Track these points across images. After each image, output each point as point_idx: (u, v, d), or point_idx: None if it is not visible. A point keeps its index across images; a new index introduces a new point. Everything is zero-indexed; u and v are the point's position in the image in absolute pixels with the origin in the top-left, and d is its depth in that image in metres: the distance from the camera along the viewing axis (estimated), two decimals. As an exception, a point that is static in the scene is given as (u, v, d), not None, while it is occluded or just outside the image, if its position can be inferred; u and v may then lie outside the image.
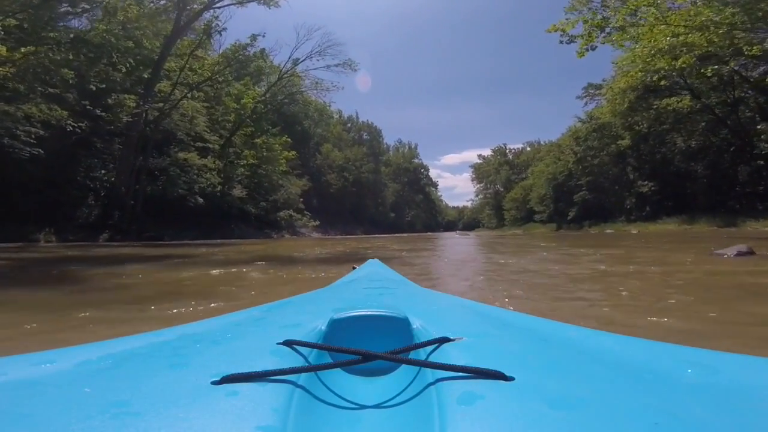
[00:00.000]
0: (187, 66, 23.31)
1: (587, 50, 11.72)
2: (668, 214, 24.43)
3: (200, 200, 21.60)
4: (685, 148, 24.53)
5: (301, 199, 34.45)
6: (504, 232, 45.97)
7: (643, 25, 10.58)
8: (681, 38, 10.08)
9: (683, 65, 11.05)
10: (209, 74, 24.94)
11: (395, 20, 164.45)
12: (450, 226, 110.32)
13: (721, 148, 23.21)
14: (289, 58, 35.14)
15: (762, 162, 21.21)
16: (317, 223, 34.19)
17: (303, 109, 40.67)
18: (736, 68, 19.91)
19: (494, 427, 0.31)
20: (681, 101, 22.65)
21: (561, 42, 12.10)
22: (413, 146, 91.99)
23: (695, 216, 21.96)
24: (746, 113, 22.46)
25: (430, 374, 0.42)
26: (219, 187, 23.01)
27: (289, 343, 0.48)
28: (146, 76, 21.29)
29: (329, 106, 40.18)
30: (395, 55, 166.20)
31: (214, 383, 0.38)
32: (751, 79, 21.65)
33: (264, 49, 30.99)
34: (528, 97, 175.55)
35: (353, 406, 0.42)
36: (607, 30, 11.11)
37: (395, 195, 76.42)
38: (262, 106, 31.13)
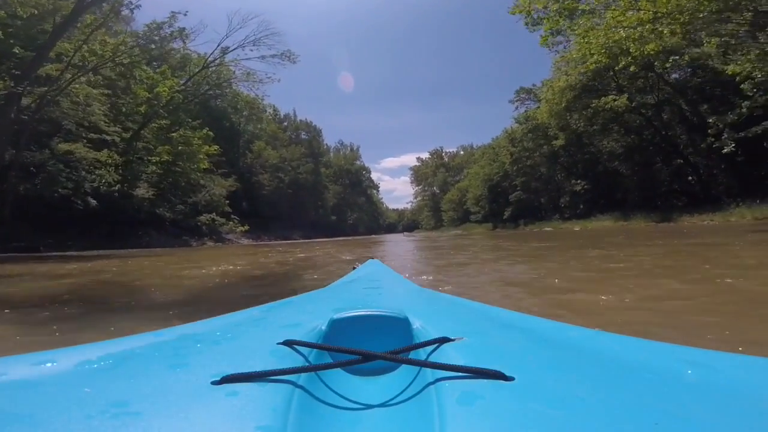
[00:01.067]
0: (86, 47, 19.54)
1: (552, 35, 10.92)
2: (601, 211, 25.05)
3: (93, 202, 18.03)
4: (618, 147, 25.31)
5: (227, 201, 31.16)
6: (443, 232, 45.75)
7: (615, 9, 9.99)
8: (648, 26, 9.64)
9: (651, 52, 10.67)
10: (111, 55, 21.26)
11: (338, 23, 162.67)
12: (391, 228, 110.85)
13: (647, 148, 24.18)
14: (218, 46, 31.93)
15: (681, 161, 22.40)
16: (246, 228, 31.10)
17: (231, 102, 37.18)
18: (659, 71, 20.72)
19: (494, 427, 0.31)
20: (618, 100, 23.20)
21: (526, 25, 11.31)
22: (355, 148, 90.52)
23: (628, 213, 22.55)
24: (669, 114, 23.63)
25: (430, 374, 0.42)
26: (117, 186, 19.43)
27: (289, 343, 0.48)
28: (17, 52, 17.37)
29: (262, 99, 37.13)
30: (337, 57, 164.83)
31: (214, 383, 0.38)
32: (671, 82, 22.81)
33: (184, 28, 27.49)
34: (463, 102, 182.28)
35: (353, 405, 0.42)
36: (578, 13, 10.37)
37: (337, 197, 74.11)
38: (180, 97, 27.66)
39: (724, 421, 0.32)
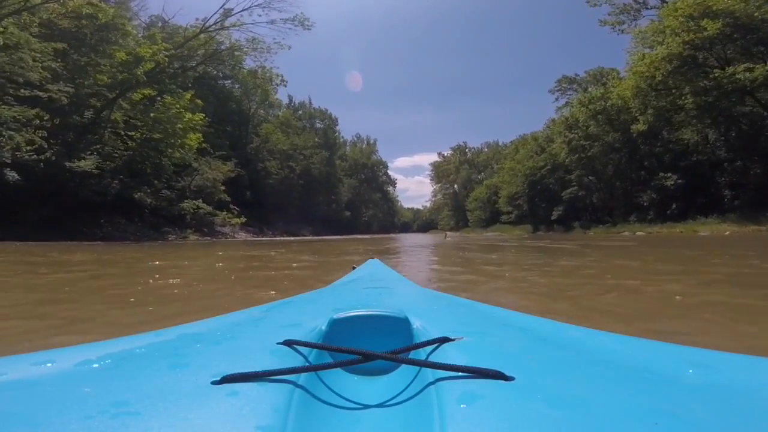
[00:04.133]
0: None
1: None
2: (701, 212, 18.94)
3: (11, 175, 12.71)
4: (730, 133, 19.05)
5: (223, 188, 25.86)
6: (480, 234, 39.57)
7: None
8: None
9: None
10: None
11: (351, 22, 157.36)
12: (405, 228, 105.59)
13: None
14: (221, 8, 26.76)
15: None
16: (242, 220, 25.71)
17: (240, 81, 31.77)
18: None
19: (494, 427, 0.31)
20: (755, 69, 16.87)
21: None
22: (372, 141, 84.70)
23: (748, 215, 16.43)
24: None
25: (430, 374, 0.42)
26: (47, 154, 14.03)
27: (289, 343, 0.48)
28: None
29: (270, 69, 31.70)
30: (350, 55, 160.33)
31: (214, 383, 0.38)
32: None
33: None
34: (479, 101, 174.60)
35: (353, 405, 0.42)
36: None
37: (351, 192, 68.65)
38: (167, 60, 22.29)
39: (724, 421, 0.32)
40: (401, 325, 0.56)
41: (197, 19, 27.54)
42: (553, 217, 32.34)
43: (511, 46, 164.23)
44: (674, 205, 20.78)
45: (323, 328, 0.55)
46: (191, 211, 21.36)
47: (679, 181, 20.67)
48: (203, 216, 22.58)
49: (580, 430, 0.30)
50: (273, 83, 31.90)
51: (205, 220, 23.35)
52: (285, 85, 32.17)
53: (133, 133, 20.09)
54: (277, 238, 25.03)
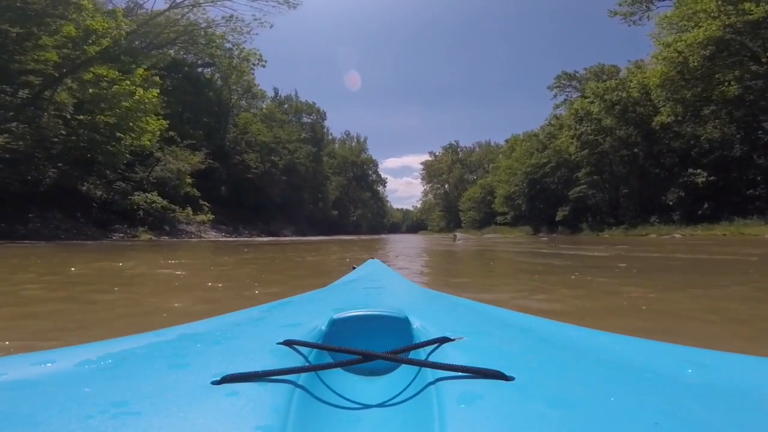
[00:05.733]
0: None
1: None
2: (737, 212, 16.50)
3: None
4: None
5: (190, 180, 22.65)
6: (482, 234, 36.82)
7: None
8: None
9: None
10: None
11: (342, 23, 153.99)
12: (395, 228, 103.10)
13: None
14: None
15: None
16: (209, 217, 22.55)
17: (207, 53, 28.44)
18: None
19: (494, 427, 0.31)
20: None
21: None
22: (362, 139, 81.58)
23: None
24: None
25: (430, 374, 0.42)
26: None
27: (289, 343, 0.48)
28: None
29: (246, 48, 28.41)
30: (340, 56, 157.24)
31: (214, 383, 0.38)
32: None
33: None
34: (468, 103, 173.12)
35: (353, 405, 0.42)
36: None
37: (340, 190, 65.51)
38: (123, 35, 18.98)
39: (724, 421, 0.32)
40: (401, 325, 0.56)
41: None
42: (557, 218, 29.75)
43: (501, 47, 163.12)
44: (706, 205, 18.31)
45: (323, 328, 0.54)
46: (143, 205, 18.10)
47: (711, 178, 18.19)
48: (161, 212, 19.34)
49: (579, 430, 0.30)
50: (251, 63, 28.76)
51: (165, 217, 20.12)
52: (264, 66, 29.16)
53: (82, 117, 16.85)
54: (254, 239, 21.94)
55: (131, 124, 18.20)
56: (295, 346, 0.48)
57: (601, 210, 26.43)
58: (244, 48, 28.55)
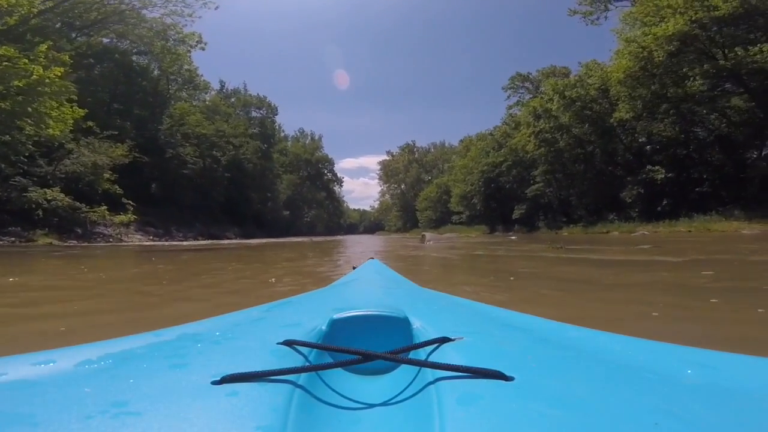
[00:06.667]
0: None
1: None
2: (695, 209, 16.44)
3: None
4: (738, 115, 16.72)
5: (108, 175, 19.48)
6: (441, 234, 35.78)
7: None
8: None
9: None
10: None
11: (303, 20, 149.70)
12: (352, 229, 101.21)
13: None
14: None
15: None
16: (133, 218, 19.56)
17: (134, 33, 25.05)
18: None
19: (494, 427, 0.31)
20: None
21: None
22: (317, 137, 78.74)
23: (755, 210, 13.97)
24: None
25: (430, 374, 0.42)
26: None
27: (289, 343, 0.48)
28: None
29: (182, 27, 25.32)
30: (298, 53, 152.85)
31: (214, 383, 0.38)
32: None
33: None
34: (425, 105, 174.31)
35: (353, 405, 0.42)
36: None
37: (292, 189, 62.51)
38: (34, 12, 15.69)
39: (724, 421, 0.32)
40: (401, 325, 0.56)
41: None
42: (514, 216, 29.38)
43: (459, 50, 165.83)
44: (665, 201, 18.24)
45: (323, 328, 0.54)
46: (42, 203, 15.00)
47: (669, 175, 18.15)
48: (69, 212, 16.24)
49: (579, 430, 0.30)
50: (187, 45, 25.70)
51: (76, 218, 16.97)
52: (203, 48, 26.25)
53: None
54: (182, 243, 19.23)
55: (29, 109, 15.01)
56: (295, 346, 0.47)
57: (554, 208, 26.28)
58: (182, 29, 25.42)
